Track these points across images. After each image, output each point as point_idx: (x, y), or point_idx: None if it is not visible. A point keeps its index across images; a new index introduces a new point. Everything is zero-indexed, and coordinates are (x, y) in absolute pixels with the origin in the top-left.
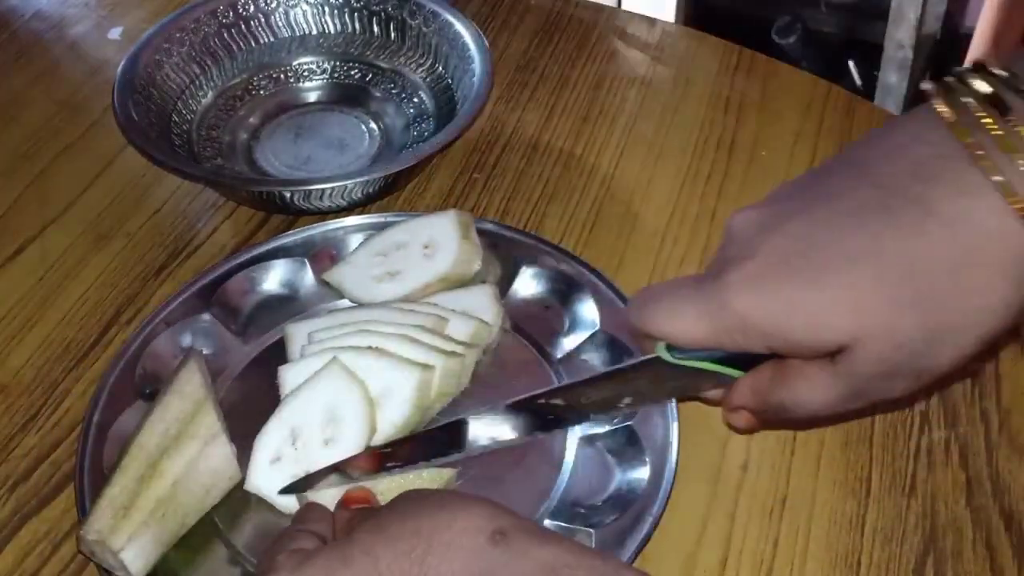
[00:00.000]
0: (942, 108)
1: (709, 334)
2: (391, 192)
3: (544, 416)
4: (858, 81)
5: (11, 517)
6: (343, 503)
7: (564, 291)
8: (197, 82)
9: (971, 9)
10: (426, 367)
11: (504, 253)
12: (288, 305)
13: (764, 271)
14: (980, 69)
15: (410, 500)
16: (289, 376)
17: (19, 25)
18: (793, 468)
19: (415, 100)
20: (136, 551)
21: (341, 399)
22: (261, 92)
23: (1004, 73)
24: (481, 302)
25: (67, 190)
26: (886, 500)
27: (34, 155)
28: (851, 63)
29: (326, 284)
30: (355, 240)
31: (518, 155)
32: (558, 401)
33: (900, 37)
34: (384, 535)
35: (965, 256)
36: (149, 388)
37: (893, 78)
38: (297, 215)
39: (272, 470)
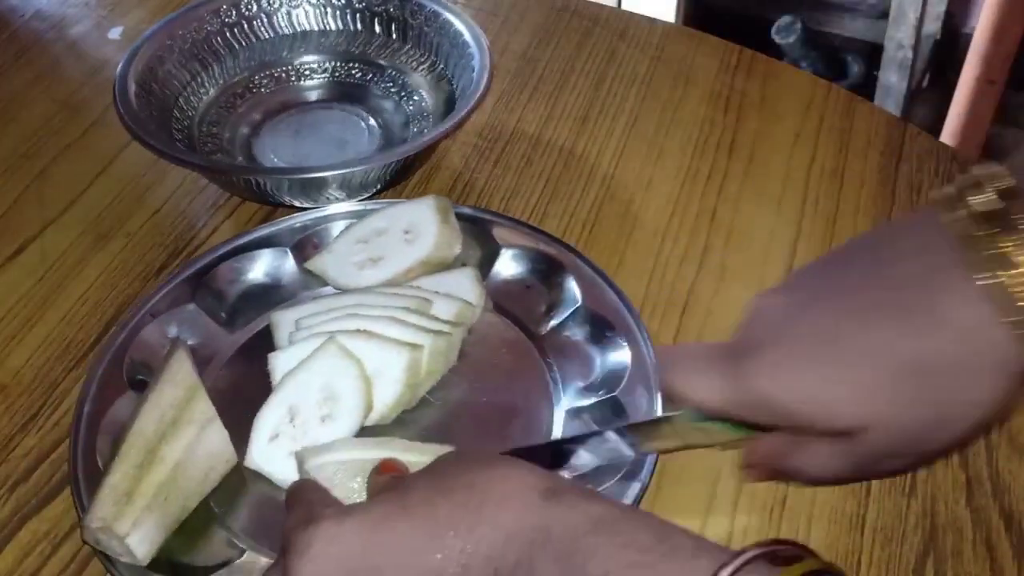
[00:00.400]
0: (946, 221)
1: (731, 407)
2: (390, 188)
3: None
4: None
5: (11, 517)
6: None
7: (544, 270)
8: (199, 79)
9: (971, 9)
10: (415, 346)
11: (483, 235)
12: (272, 294)
13: (786, 359)
14: (982, 180)
15: (456, 459)
16: (280, 362)
17: (19, 25)
18: None
19: (415, 98)
20: (141, 536)
21: (338, 377)
22: (262, 90)
23: (1005, 183)
24: (463, 284)
25: (67, 190)
26: (886, 500)
27: (34, 155)
28: (851, 63)
29: (309, 272)
30: (336, 229)
31: (518, 155)
32: (574, 447)
33: (900, 37)
34: (439, 487)
35: (967, 359)
36: (138, 378)
37: (893, 78)
38: (295, 210)
39: (271, 447)
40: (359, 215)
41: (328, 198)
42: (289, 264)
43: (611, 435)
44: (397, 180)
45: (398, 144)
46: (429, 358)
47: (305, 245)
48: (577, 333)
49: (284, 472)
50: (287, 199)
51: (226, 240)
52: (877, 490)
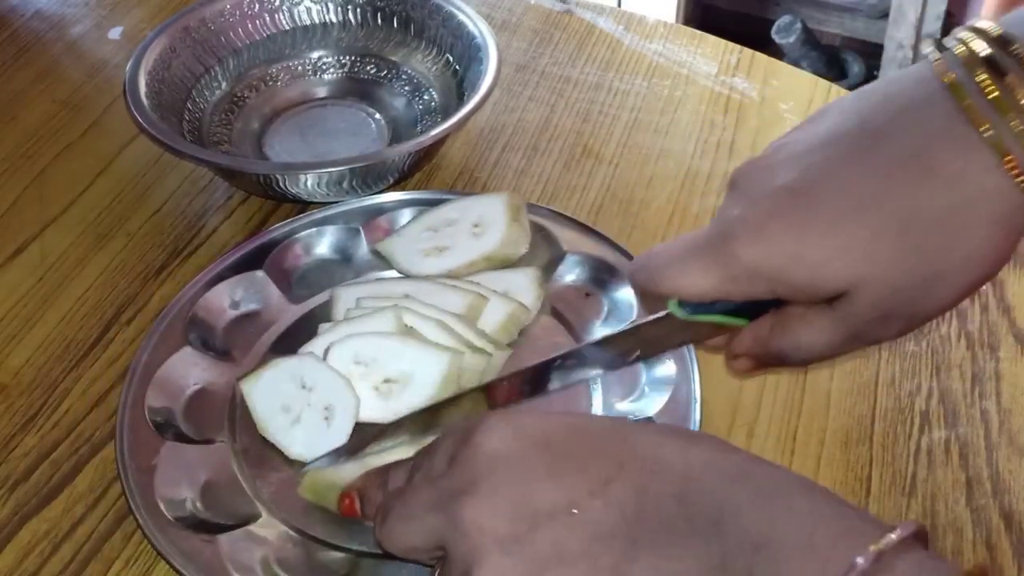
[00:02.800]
0: (941, 70)
1: (717, 284)
2: (396, 185)
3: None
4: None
5: (11, 517)
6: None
7: (605, 280)
8: (215, 70)
9: (971, 9)
10: (456, 352)
11: (552, 238)
12: (338, 270)
13: (770, 223)
14: (977, 31)
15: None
16: (320, 341)
17: (19, 25)
18: (793, 468)
19: (425, 96)
20: None
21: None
22: (277, 83)
23: (999, 33)
24: (523, 285)
25: (67, 190)
26: (886, 500)
27: (34, 155)
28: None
29: (377, 254)
30: (408, 214)
31: (518, 155)
32: (572, 361)
33: (900, 37)
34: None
35: (960, 210)
36: (196, 336)
37: None
38: (300, 203)
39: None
40: (433, 203)
41: (327, 194)
42: (360, 243)
43: (591, 350)
44: (408, 175)
45: (406, 141)
46: (464, 372)
47: (377, 226)
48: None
49: (291, 441)
50: (300, 194)
51: (301, 214)
52: (877, 490)
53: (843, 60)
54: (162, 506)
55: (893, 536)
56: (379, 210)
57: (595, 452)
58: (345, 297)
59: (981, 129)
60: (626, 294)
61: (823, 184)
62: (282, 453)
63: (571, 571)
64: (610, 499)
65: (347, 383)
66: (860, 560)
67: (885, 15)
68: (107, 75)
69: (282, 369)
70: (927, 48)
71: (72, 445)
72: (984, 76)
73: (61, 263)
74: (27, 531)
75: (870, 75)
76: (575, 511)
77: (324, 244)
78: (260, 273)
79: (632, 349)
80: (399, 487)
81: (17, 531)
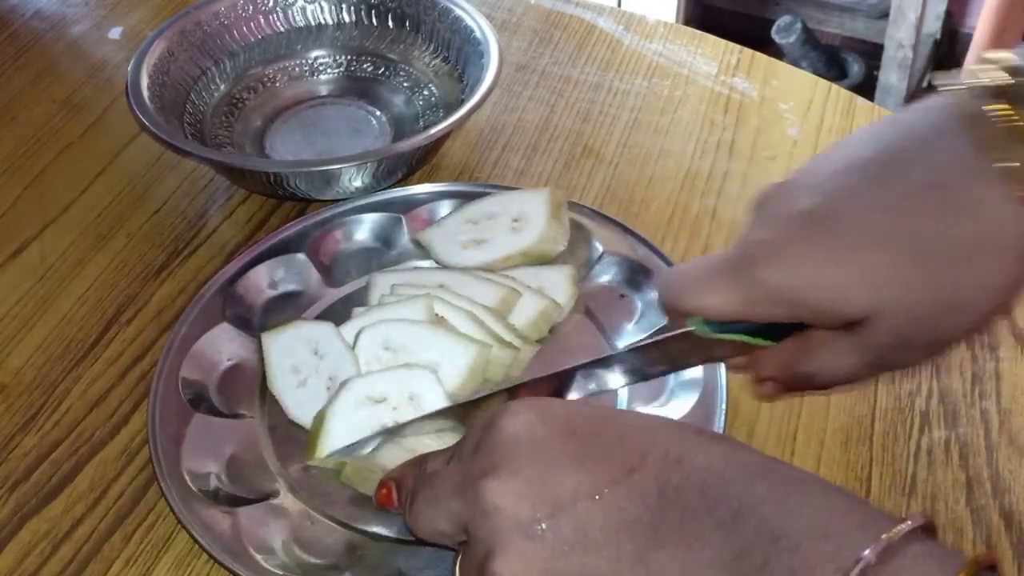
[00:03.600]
0: (957, 100)
1: (739, 306)
2: (396, 184)
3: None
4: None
5: (11, 517)
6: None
7: (641, 283)
8: (212, 72)
9: (971, 9)
10: (484, 345)
11: (590, 237)
12: (378, 257)
13: (790, 247)
14: (992, 62)
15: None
16: (351, 326)
17: (19, 25)
18: None
19: (425, 93)
20: None
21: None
22: (276, 84)
23: (1014, 64)
24: (557, 282)
25: (67, 190)
26: (886, 500)
27: (34, 155)
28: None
29: (416, 243)
30: (449, 205)
31: (519, 155)
32: (598, 368)
33: (900, 37)
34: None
35: (977, 241)
36: (233, 313)
37: (893, 78)
38: (302, 202)
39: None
40: (475, 195)
41: (342, 191)
42: (402, 231)
43: (617, 358)
44: (409, 174)
45: (409, 137)
46: (490, 365)
47: (419, 216)
48: None
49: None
50: (305, 192)
51: (345, 199)
52: (877, 490)
53: (843, 60)
54: (187, 477)
55: (903, 527)
56: (421, 200)
57: (619, 442)
58: (381, 283)
59: (996, 160)
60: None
61: (844, 211)
62: (307, 432)
63: (594, 557)
64: (633, 488)
65: (355, 360)
66: (869, 550)
67: (885, 15)
68: (107, 75)
69: (301, 331)
70: (944, 79)
71: (72, 445)
72: (999, 107)
73: (61, 263)
74: (27, 531)
75: (870, 75)
76: (598, 497)
77: (365, 231)
78: (301, 256)
79: (657, 361)
80: (431, 469)
81: (17, 531)
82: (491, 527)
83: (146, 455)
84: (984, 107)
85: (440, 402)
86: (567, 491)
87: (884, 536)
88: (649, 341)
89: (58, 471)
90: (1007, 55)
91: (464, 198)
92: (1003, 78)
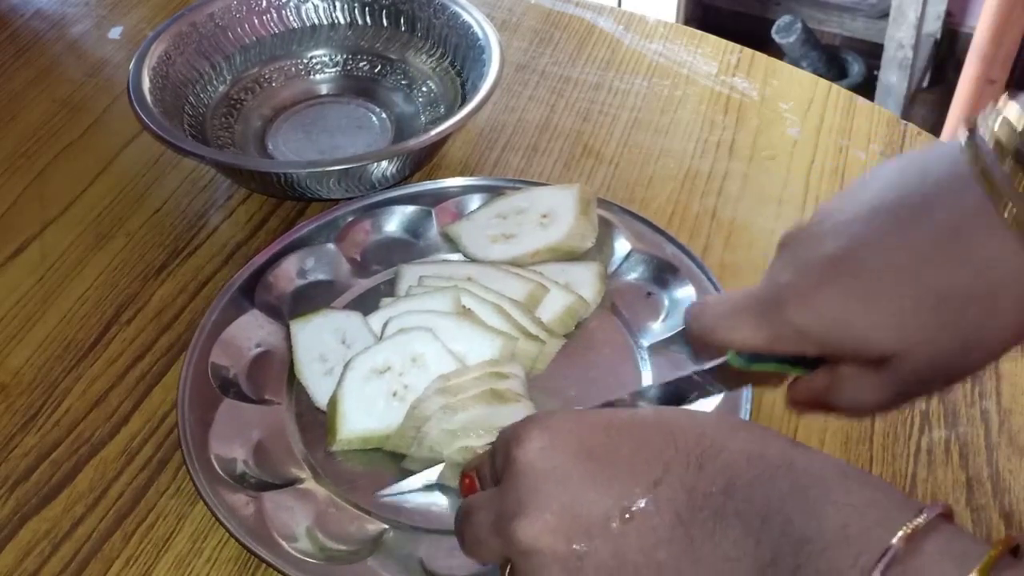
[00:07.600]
0: (971, 156)
1: (768, 342)
2: (397, 184)
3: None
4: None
5: (11, 517)
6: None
7: (669, 281)
8: (209, 74)
9: (971, 9)
10: (510, 337)
11: (619, 234)
12: (406, 249)
13: (816, 290)
14: (1005, 117)
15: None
16: (379, 315)
17: (19, 24)
18: None
19: (424, 90)
20: None
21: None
22: (273, 84)
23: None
24: (585, 278)
25: (67, 190)
26: None
27: (34, 155)
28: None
29: (446, 236)
30: (478, 199)
31: (519, 155)
32: (631, 402)
33: (900, 37)
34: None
35: (991, 291)
36: (263, 300)
37: (893, 78)
38: (303, 201)
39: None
40: (507, 190)
41: (344, 191)
42: (430, 224)
43: (651, 392)
44: (409, 174)
45: (409, 136)
46: (515, 358)
47: (448, 210)
48: (683, 350)
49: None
50: (315, 192)
51: (377, 191)
52: None
53: (843, 60)
54: (214, 460)
55: (920, 520)
56: (451, 194)
57: (638, 454)
58: (409, 275)
59: (1006, 214)
60: (687, 297)
61: (866, 256)
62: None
63: None
64: (661, 501)
65: None
66: (892, 545)
67: (885, 15)
68: (107, 75)
69: (329, 320)
70: (959, 133)
71: (72, 445)
72: (1011, 167)
73: (61, 263)
74: (27, 531)
75: (870, 75)
76: (628, 516)
77: (395, 223)
78: (331, 246)
79: (691, 391)
80: (467, 503)
81: (17, 531)
82: (532, 566)
83: (146, 455)
84: (996, 164)
85: (442, 356)
86: (597, 516)
87: (902, 532)
88: (685, 374)
89: (58, 471)
90: (1019, 109)
91: (494, 192)
92: (1013, 137)
